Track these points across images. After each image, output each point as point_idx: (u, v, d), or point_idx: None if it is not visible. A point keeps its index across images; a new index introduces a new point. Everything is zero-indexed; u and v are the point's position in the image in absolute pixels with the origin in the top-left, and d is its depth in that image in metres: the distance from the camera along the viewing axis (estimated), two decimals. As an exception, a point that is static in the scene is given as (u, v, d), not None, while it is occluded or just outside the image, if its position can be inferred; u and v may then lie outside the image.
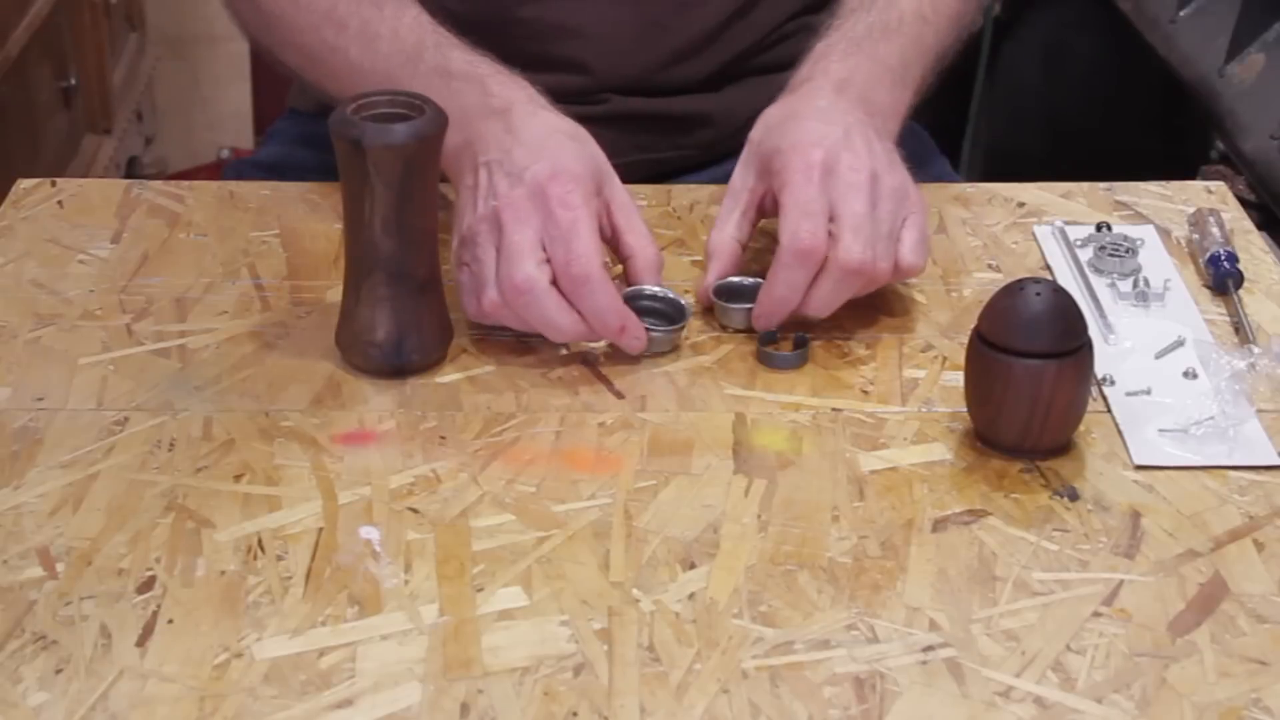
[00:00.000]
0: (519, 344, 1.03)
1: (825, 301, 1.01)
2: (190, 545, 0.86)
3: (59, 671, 0.78)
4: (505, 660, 0.79)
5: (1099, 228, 1.14)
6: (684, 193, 1.21)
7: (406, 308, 0.98)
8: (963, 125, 2.28)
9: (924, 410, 0.98)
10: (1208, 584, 0.85)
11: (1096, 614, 0.82)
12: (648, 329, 1.01)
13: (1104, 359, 1.00)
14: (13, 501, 0.89)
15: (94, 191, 1.21)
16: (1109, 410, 0.97)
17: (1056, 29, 2.13)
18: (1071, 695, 0.77)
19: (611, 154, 1.05)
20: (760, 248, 1.12)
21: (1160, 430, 0.95)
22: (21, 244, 1.14)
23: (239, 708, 0.76)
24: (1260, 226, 1.19)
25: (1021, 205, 1.20)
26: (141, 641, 0.80)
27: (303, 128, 1.36)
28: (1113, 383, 0.99)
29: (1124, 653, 0.80)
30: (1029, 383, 0.91)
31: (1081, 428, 0.94)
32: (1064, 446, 0.94)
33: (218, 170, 2.72)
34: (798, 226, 0.99)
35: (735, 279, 1.07)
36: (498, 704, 0.76)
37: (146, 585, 0.83)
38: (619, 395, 0.99)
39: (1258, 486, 0.92)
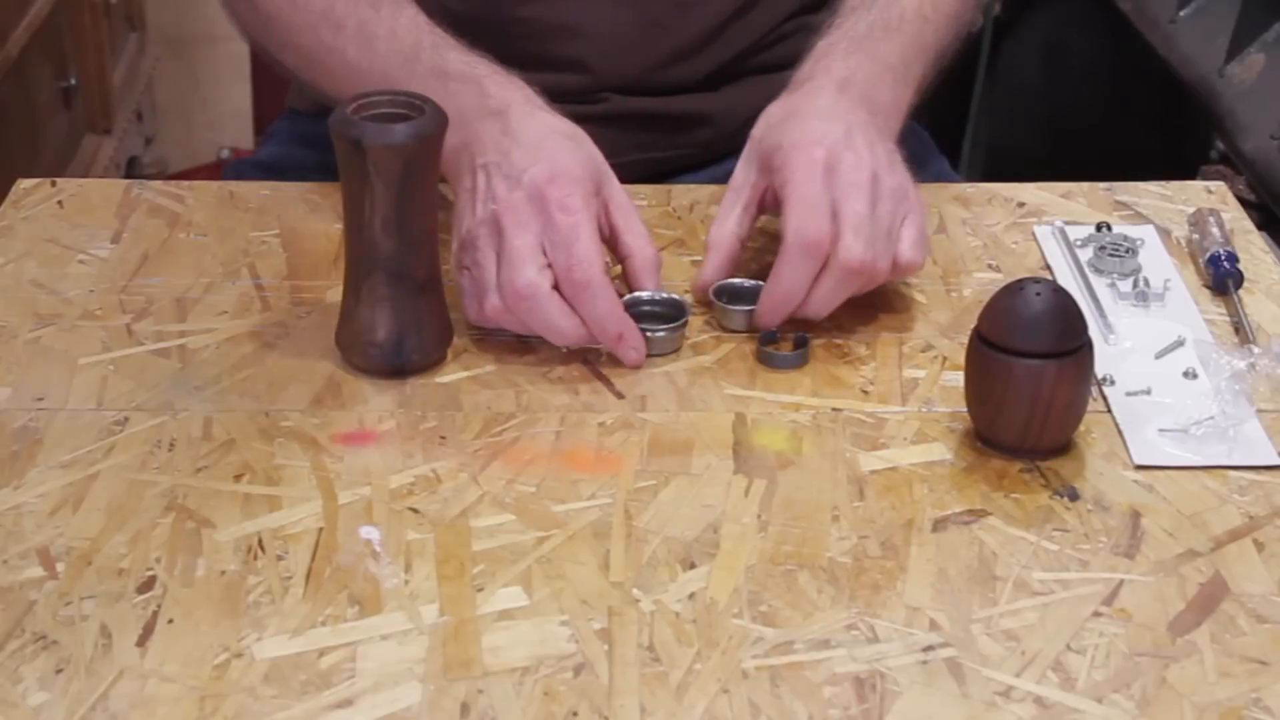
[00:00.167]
0: (519, 344, 1.03)
1: (825, 301, 1.01)
2: (190, 545, 0.86)
3: (59, 671, 0.78)
4: (505, 660, 0.79)
5: (1099, 228, 1.14)
6: (684, 193, 1.21)
7: (406, 308, 0.98)
8: (963, 125, 2.28)
9: (924, 410, 0.98)
10: (1208, 584, 0.85)
11: (1096, 614, 0.82)
12: (648, 330, 1.01)
13: (1104, 359, 1.00)
14: (13, 501, 0.89)
15: (94, 191, 1.21)
16: (1109, 410, 0.97)
17: (1056, 29, 2.13)
18: (1071, 695, 0.77)
19: (611, 154, 1.05)
20: (758, 247, 1.12)
21: (1160, 430, 0.95)
22: (21, 244, 1.14)
23: (239, 708, 0.76)
24: (1260, 226, 1.19)
25: (1021, 205, 1.20)
26: (141, 641, 0.80)
27: (302, 128, 1.36)
28: (1113, 383, 0.99)
29: (1124, 653, 0.80)
30: (1029, 383, 0.91)
31: (1081, 428, 0.94)
32: (1064, 446, 0.94)
33: (218, 170, 2.72)
34: (802, 221, 0.99)
35: (735, 280, 1.07)
36: (498, 704, 0.76)
37: (146, 585, 0.83)
38: (619, 395, 0.99)
39: (1258, 486, 0.92)
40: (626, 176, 1.06)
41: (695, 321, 1.05)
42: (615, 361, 1.01)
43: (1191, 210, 1.16)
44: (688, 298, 1.05)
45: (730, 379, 1.00)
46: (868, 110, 1.07)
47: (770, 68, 1.33)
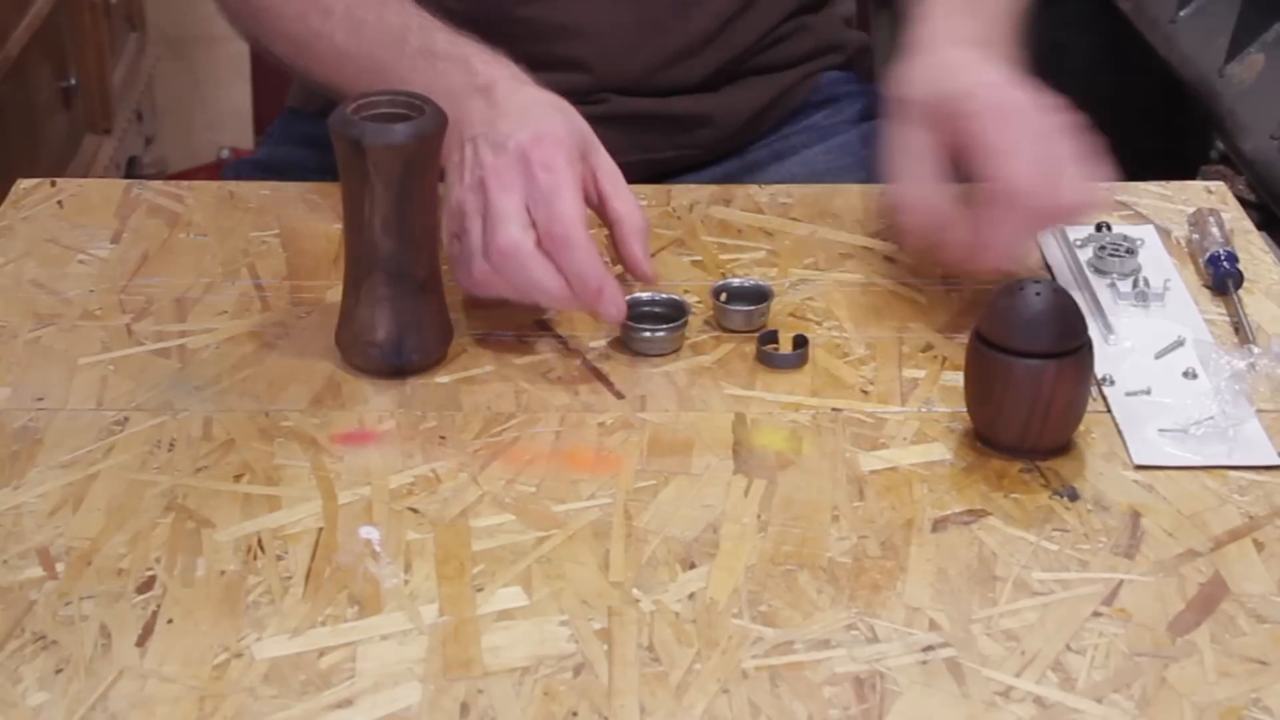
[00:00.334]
0: (519, 344, 1.03)
1: (1020, 244, 1.02)
2: (190, 545, 0.86)
3: (59, 671, 0.78)
4: (505, 660, 0.79)
5: (1099, 228, 1.14)
6: (684, 193, 1.21)
7: (406, 308, 0.98)
8: (963, 125, 2.28)
9: (924, 410, 0.98)
10: (1208, 584, 0.85)
11: (1096, 614, 0.82)
12: (648, 330, 1.01)
13: (1104, 359, 1.00)
14: (13, 501, 0.89)
15: (94, 191, 1.21)
16: (1109, 410, 0.97)
17: (1056, 29, 2.13)
18: (1071, 695, 0.77)
19: (611, 154, 1.05)
20: (756, 246, 1.12)
21: (1160, 430, 0.95)
22: (21, 244, 1.14)
23: (239, 708, 0.76)
24: (1260, 226, 1.19)
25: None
26: (141, 641, 0.80)
27: (303, 128, 1.37)
28: (1113, 383, 0.99)
29: (1124, 653, 0.80)
30: (1029, 383, 0.91)
31: (1081, 428, 0.94)
32: (1064, 446, 0.94)
33: (218, 170, 2.72)
34: (1010, 167, 0.99)
35: (735, 280, 1.07)
36: (498, 704, 0.76)
37: (146, 585, 0.83)
38: (619, 395, 0.99)
39: (1258, 486, 0.92)
40: (626, 176, 1.06)
41: (695, 321, 1.05)
42: (615, 362, 1.01)
43: (1191, 210, 1.16)
44: (688, 298, 1.05)
45: (730, 379, 1.00)
46: (1003, 61, 1.07)
47: (770, 68, 1.34)
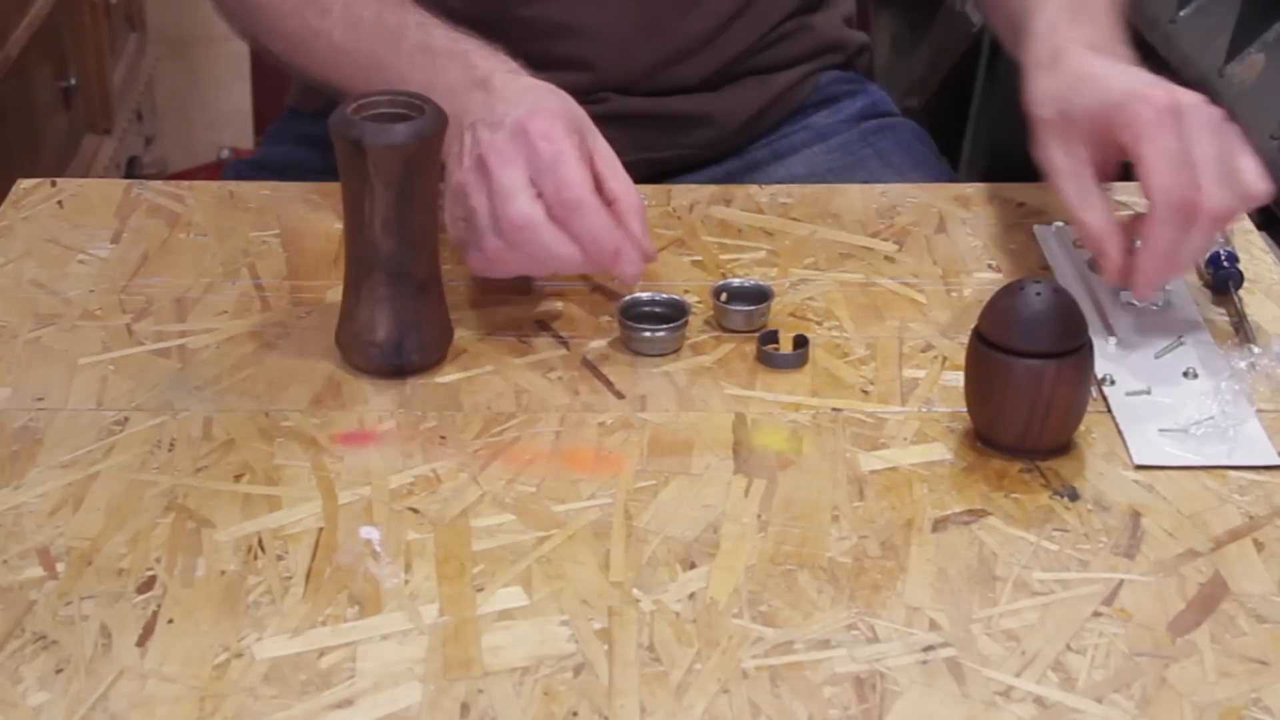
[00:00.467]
0: (519, 344, 1.03)
1: (1194, 253, 1.00)
2: (190, 545, 0.86)
3: (59, 671, 0.78)
4: (505, 660, 0.79)
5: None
6: (684, 192, 1.21)
7: (406, 308, 0.98)
8: (963, 125, 2.28)
9: (924, 410, 0.98)
10: (1208, 584, 0.85)
11: (1096, 614, 0.82)
12: (648, 330, 1.01)
13: (1104, 359, 1.00)
14: (13, 501, 0.89)
15: (94, 191, 1.21)
16: (1109, 410, 0.97)
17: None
18: (1071, 695, 0.77)
19: (612, 153, 1.05)
20: (756, 246, 1.12)
21: (1160, 430, 0.95)
22: (21, 244, 1.14)
23: (239, 708, 0.76)
24: (1260, 226, 1.19)
25: (1021, 205, 1.20)
26: (141, 641, 0.80)
27: (303, 128, 1.37)
28: (1113, 383, 0.99)
29: (1124, 653, 0.80)
30: (1029, 383, 0.91)
31: (1081, 428, 0.94)
32: (1064, 446, 0.94)
33: (218, 170, 2.72)
34: (1169, 180, 0.97)
35: (735, 280, 1.07)
36: (498, 704, 0.76)
37: (146, 585, 0.83)
38: (619, 395, 0.99)
39: (1258, 486, 0.92)
40: (627, 176, 1.06)
41: (695, 321, 1.05)
42: (615, 362, 1.01)
43: (1191, 210, 1.16)
44: (688, 298, 1.05)
45: (730, 379, 1.00)
46: (1123, 62, 1.06)
47: (771, 67, 1.34)
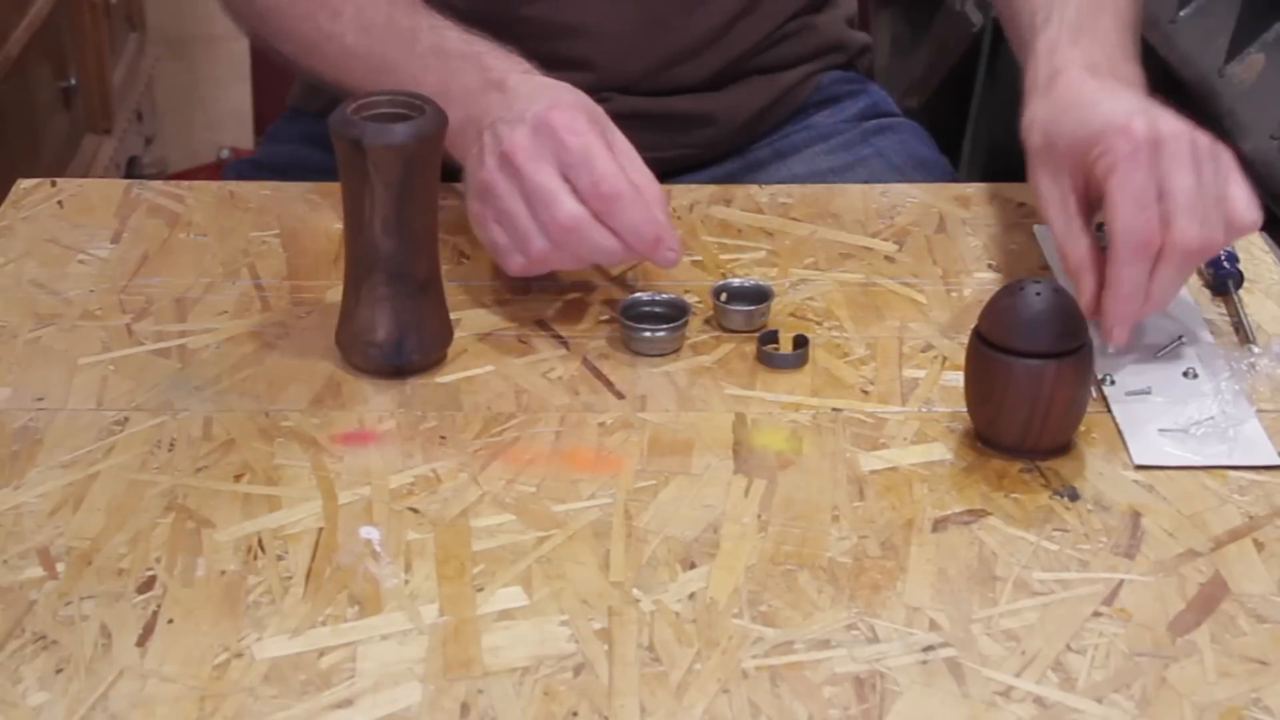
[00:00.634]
0: (519, 344, 1.03)
1: (1166, 290, 0.97)
2: (190, 545, 0.86)
3: (59, 671, 0.78)
4: (505, 660, 0.79)
5: (1098, 228, 1.14)
6: (684, 192, 1.21)
7: (406, 308, 0.98)
8: (963, 125, 2.28)
9: (924, 410, 0.98)
10: (1208, 584, 0.85)
11: (1096, 614, 0.82)
12: (648, 330, 1.01)
13: (1104, 359, 1.00)
14: (13, 501, 0.89)
15: (94, 191, 1.21)
16: (1109, 410, 0.97)
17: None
18: (1071, 695, 0.77)
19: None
20: (756, 246, 1.12)
21: (1160, 430, 0.95)
22: (21, 244, 1.14)
23: (239, 708, 0.76)
24: (1260, 227, 1.19)
25: (1021, 205, 1.20)
26: (141, 641, 0.80)
27: (303, 128, 1.37)
28: (1113, 383, 0.99)
29: (1124, 653, 0.80)
30: (1029, 383, 0.91)
31: (1081, 428, 0.94)
32: (1064, 446, 0.94)
33: (218, 170, 2.73)
34: (1130, 218, 0.95)
35: (735, 280, 1.07)
36: (498, 704, 0.76)
37: (146, 585, 0.83)
38: (619, 395, 0.99)
39: (1258, 486, 0.92)
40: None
41: (695, 321, 1.05)
42: (615, 362, 1.01)
43: (1191, 210, 1.16)
44: (688, 298, 1.05)
45: (730, 379, 1.00)
46: (1125, 84, 1.04)
47: (773, 67, 1.34)
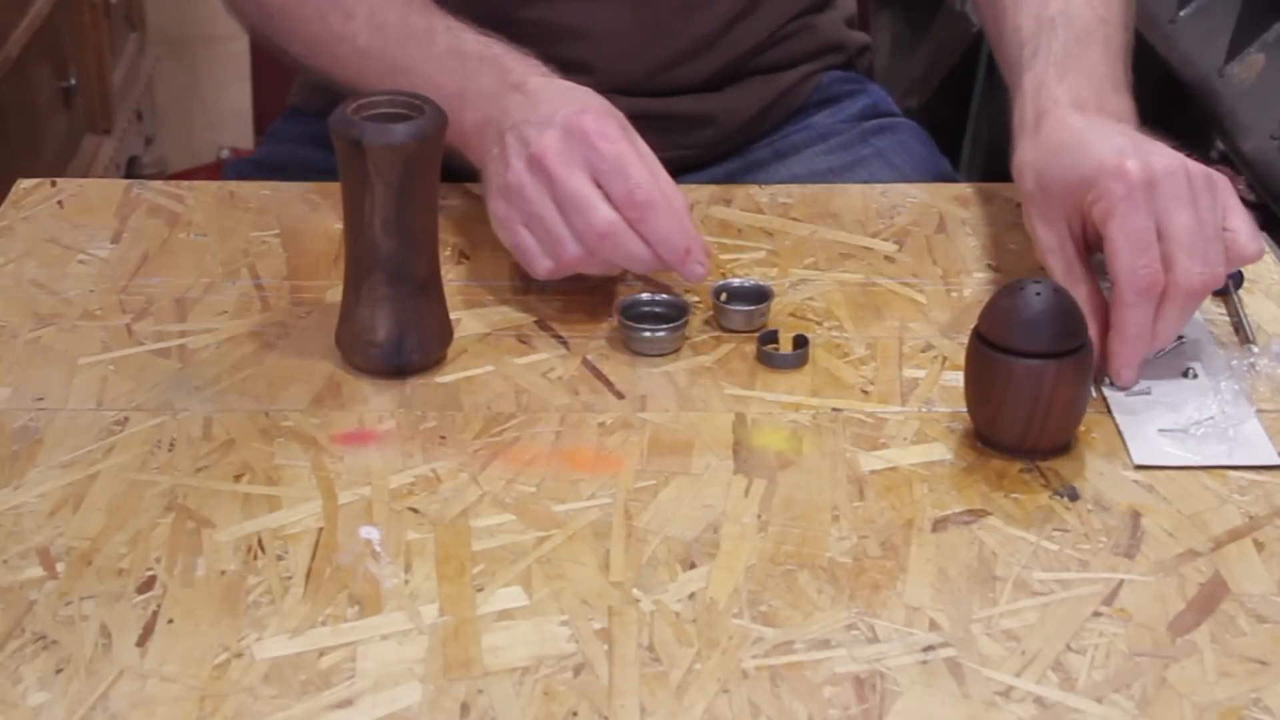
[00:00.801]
0: (519, 344, 1.03)
1: (1171, 329, 0.97)
2: (190, 545, 0.86)
3: (59, 671, 0.78)
4: (505, 660, 0.79)
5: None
6: (684, 193, 1.21)
7: (406, 308, 0.98)
8: (963, 125, 2.28)
9: (924, 410, 0.98)
10: (1208, 584, 0.85)
11: (1096, 614, 0.82)
12: (648, 330, 1.02)
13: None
14: (13, 501, 0.89)
15: (94, 191, 1.21)
16: (1109, 410, 0.97)
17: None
18: (1071, 695, 0.77)
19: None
20: (756, 246, 1.12)
21: (1160, 430, 0.95)
22: (21, 244, 1.14)
23: (239, 708, 0.76)
24: (1260, 226, 1.18)
25: (1021, 205, 1.20)
26: (141, 641, 0.80)
27: (303, 127, 1.37)
28: (1112, 383, 0.99)
29: (1124, 653, 0.80)
30: (1029, 383, 0.91)
31: (1081, 428, 0.94)
32: (1064, 446, 0.94)
33: (218, 170, 2.73)
34: (1131, 262, 0.95)
35: (735, 280, 1.07)
36: (498, 704, 0.76)
37: (146, 585, 0.83)
38: (619, 395, 0.99)
39: (1258, 486, 0.92)
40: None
41: (695, 321, 1.05)
42: (615, 362, 1.01)
43: (1191, 210, 1.16)
44: (688, 298, 1.05)
45: (730, 379, 1.00)
46: (1113, 118, 1.03)
47: (772, 68, 1.34)
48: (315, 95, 1.34)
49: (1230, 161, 1.70)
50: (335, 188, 0.98)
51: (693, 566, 0.85)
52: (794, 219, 1.18)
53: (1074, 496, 0.91)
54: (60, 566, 0.84)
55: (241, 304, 1.07)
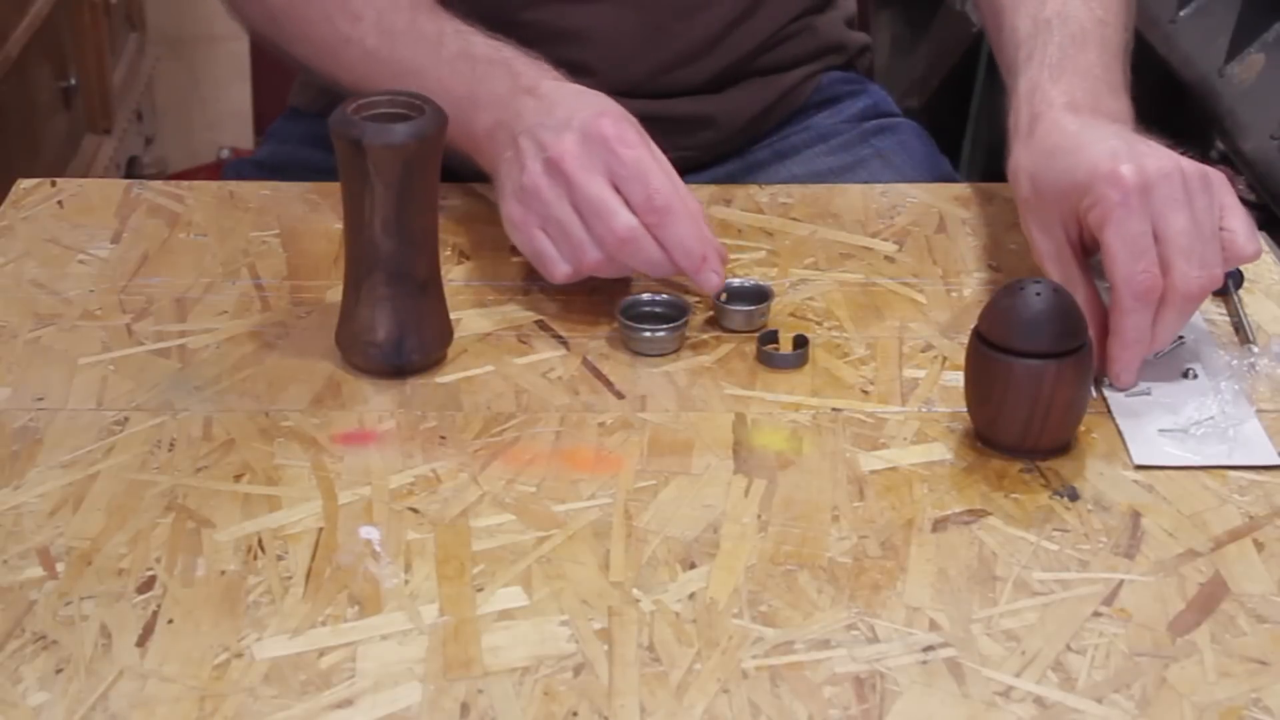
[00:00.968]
0: (519, 344, 1.03)
1: (1170, 332, 0.97)
2: (190, 545, 0.86)
3: (59, 671, 0.78)
4: (505, 660, 0.79)
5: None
6: (684, 193, 1.21)
7: (406, 308, 0.98)
8: (963, 125, 2.28)
9: (924, 410, 0.98)
10: (1208, 584, 0.85)
11: (1096, 614, 0.82)
12: (648, 331, 1.02)
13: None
14: (13, 501, 0.89)
15: (94, 191, 1.21)
16: (1109, 410, 0.97)
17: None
18: (1071, 695, 0.77)
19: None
20: (756, 246, 1.12)
21: (1160, 430, 0.95)
22: (21, 244, 1.14)
23: (239, 708, 0.76)
24: (1260, 226, 1.18)
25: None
26: (141, 641, 0.80)
27: (303, 127, 1.36)
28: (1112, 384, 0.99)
29: (1124, 653, 0.80)
30: (1029, 383, 0.91)
31: (1081, 428, 0.94)
32: (1064, 446, 0.94)
33: (218, 170, 2.73)
34: (1132, 268, 0.95)
35: (735, 280, 1.07)
36: (498, 704, 0.76)
37: (146, 585, 0.83)
38: (619, 395, 0.99)
39: (1258, 486, 0.92)
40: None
41: (695, 321, 1.05)
42: (615, 362, 1.01)
43: (1191, 210, 1.16)
44: (688, 298, 1.05)
45: (730, 379, 1.00)
46: (1109, 120, 1.03)
47: (773, 69, 1.34)
48: (315, 95, 1.34)
49: (1230, 161, 1.70)
50: (335, 188, 0.98)
51: (693, 566, 0.85)
52: (794, 219, 1.18)
53: (1074, 496, 0.91)
54: (60, 566, 0.84)
55: (241, 304, 1.07)
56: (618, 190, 0.99)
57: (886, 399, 0.98)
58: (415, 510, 0.89)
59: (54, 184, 1.21)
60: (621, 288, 1.07)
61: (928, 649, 0.80)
